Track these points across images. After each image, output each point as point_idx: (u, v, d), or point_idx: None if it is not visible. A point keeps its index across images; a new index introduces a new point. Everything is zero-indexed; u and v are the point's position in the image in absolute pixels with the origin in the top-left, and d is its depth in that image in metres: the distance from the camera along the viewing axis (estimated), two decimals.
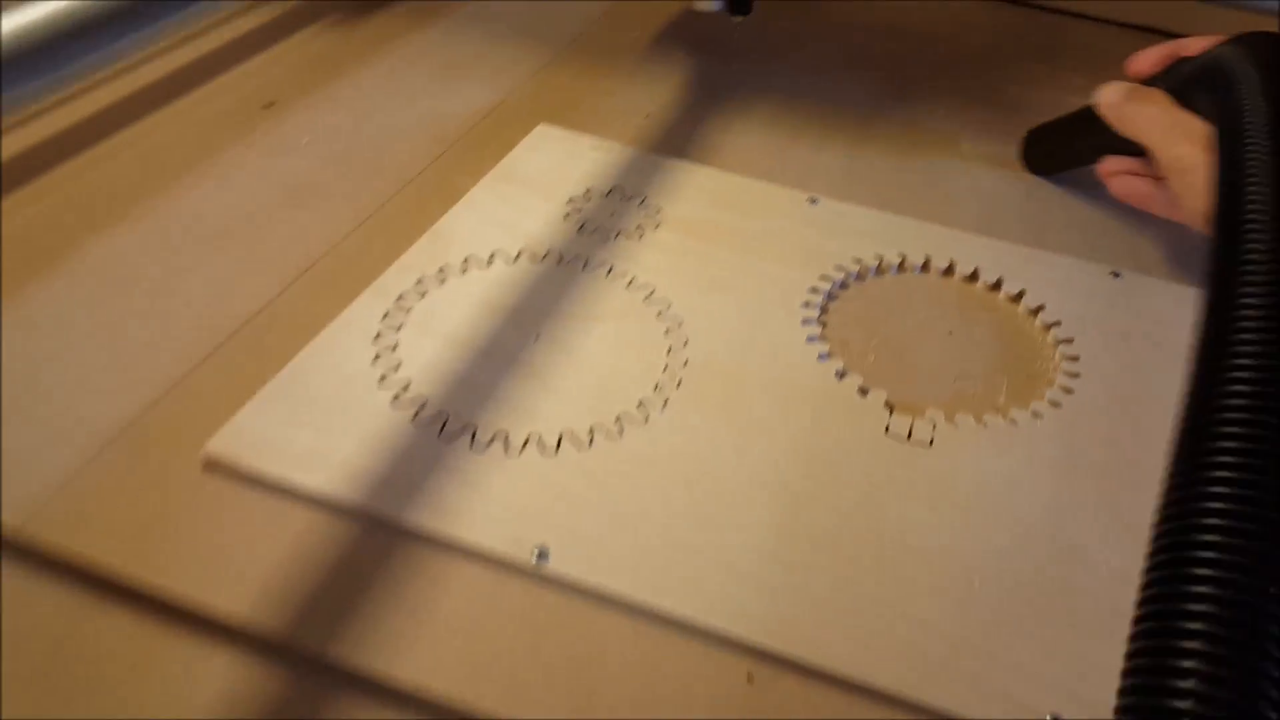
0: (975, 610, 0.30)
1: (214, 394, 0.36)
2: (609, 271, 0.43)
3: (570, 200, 0.47)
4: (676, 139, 0.54)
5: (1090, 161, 0.48)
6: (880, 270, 0.44)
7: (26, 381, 0.36)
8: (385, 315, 0.39)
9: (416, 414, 0.35)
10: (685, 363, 0.38)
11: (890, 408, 0.37)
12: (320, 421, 0.34)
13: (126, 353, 0.38)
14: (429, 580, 0.30)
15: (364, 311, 0.39)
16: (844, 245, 0.45)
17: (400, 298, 0.40)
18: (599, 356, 0.38)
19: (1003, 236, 0.47)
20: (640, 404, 0.36)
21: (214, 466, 0.33)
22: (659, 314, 0.40)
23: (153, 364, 0.37)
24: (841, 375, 0.38)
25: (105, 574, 0.30)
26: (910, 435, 0.35)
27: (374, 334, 0.38)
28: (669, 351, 0.38)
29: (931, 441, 0.35)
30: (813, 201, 0.48)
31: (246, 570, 0.30)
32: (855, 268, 0.44)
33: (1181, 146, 0.38)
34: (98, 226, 0.44)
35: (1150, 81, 0.43)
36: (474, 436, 0.34)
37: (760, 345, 0.39)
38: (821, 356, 0.39)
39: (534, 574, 0.30)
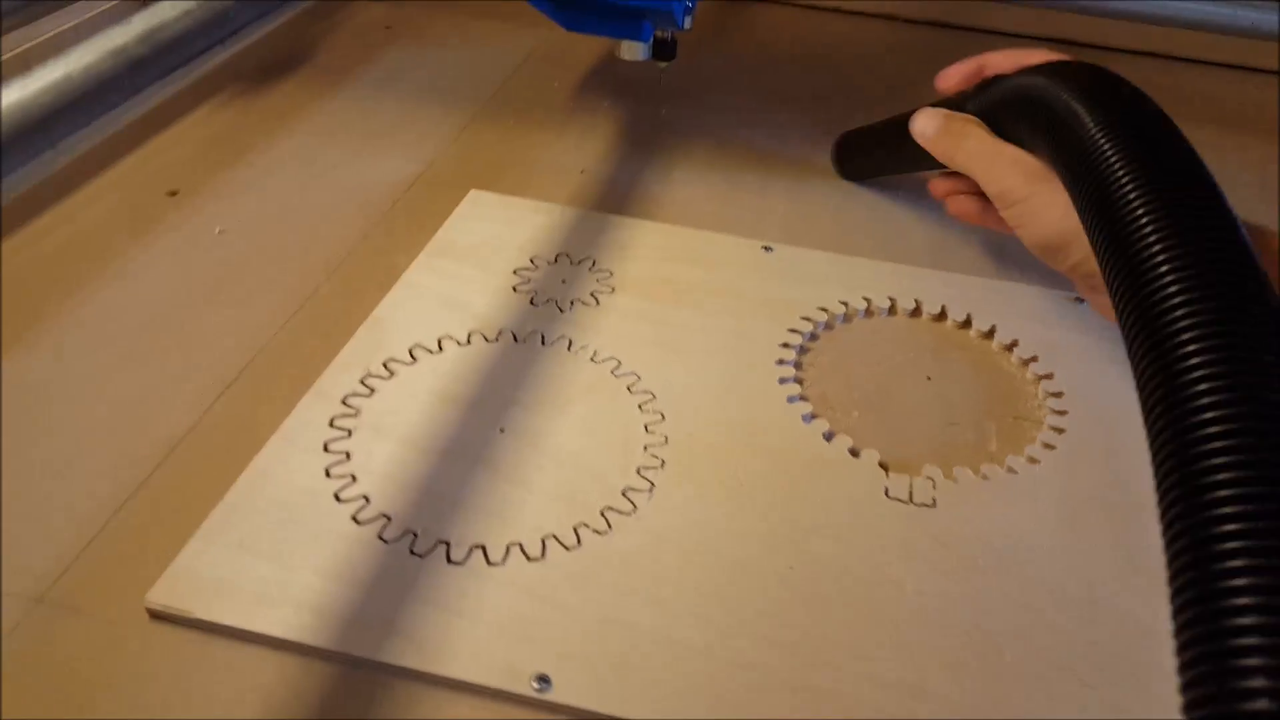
0: (1003, 681, 0.28)
1: (150, 530, 0.32)
2: (569, 346, 0.40)
3: (516, 271, 0.45)
4: (616, 194, 0.52)
5: (905, 170, 0.50)
6: (848, 317, 0.43)
7: None
8: (331, 421, 0.36)
9: (381, 533, 0.32)
10: (666, 440, 0.36)
11: (885, 468, 0.35)
12: (274, 551, 0.31)
13: (47, 495, 0.33)
14: None
15: (306, 419, 0.36)
16: (807, 293, 0.44)
17: (345, 399, 0.37)
18: (573, 444, 0.36)
19: (961, 269, 0.47)
20: (625, 492, 0.34)
21: (160, 617, 0.29)
22: (629, 388, 0.38)
23: (77, 506, 0.33)
24: (829, 437, 0.37)
25: None
26: (911, 497, 0.34)
27: (321, 444, 0.35)
28: (646, 429, 0.36)
29: (934, 502, 0.34)
30: (767, 249, 0.47)
31: None
32: (823, 317, 0.43)
33: (1007, 180, 0.39)
34: None
35: (958, 99, 0.43)
36: (449, 551, 0.31)
37: (741, 411, 0.37)
38: (806, 418, 0.37)
39: (535, 704, 0.28)
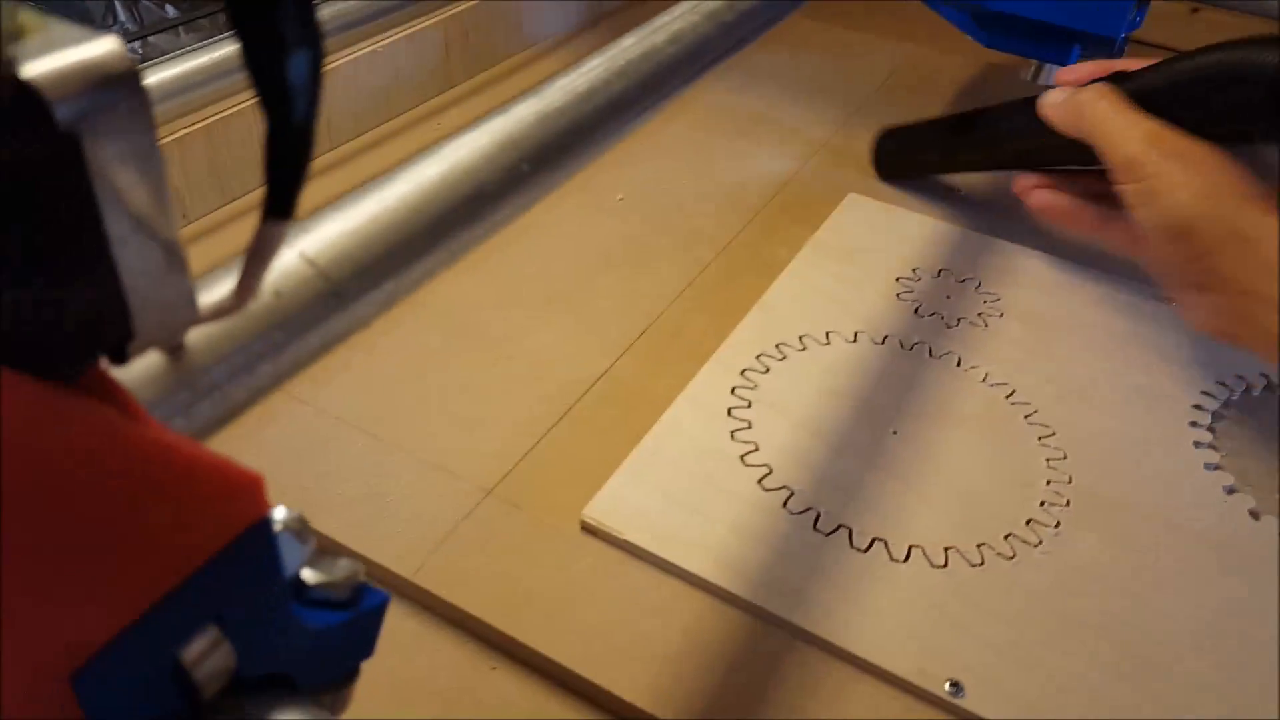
0: None
1: (573, 456, 0.36)
2: (958, 363, 0.40)
3: (898, 279, 0.45)
4: (995, 217, 0.51)
5: (960, 169, 0.51)
6: (1271, 387, 0.40)
7: (394, 426, 0.37)
8: (732, 390, 0.38)
9: (785, 502, 0.34)
10: (1070, 480, 0.35)
11: None
12: (689, 498, 0.33)
13: (488, 407, 0.38)
14: (829, 695, 0.28)
15: (708, 385, 0.38)
16: (1222, 354, 0.41)
17: (744, 372, 0.39)
18: (967, 463, 0.36)
19: None
20: (1030, 523, 0.33)
21: (590, 530, 0.33)
22: (1026, 419, 0.38)
23: (515, 421, 0.37)
24: (1257, 516, 0.34)
25: (495, 635, 0.30)
26: None
27: (725, 409, 0.37)
28: (1048, 463, 0.36)
29: None
30: (1171, 302, 0.45)
31: (637, 650, 0.29)
32: (1241, 385, 0.40)
33: (1137, 148, 0.34)
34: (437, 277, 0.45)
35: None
36: (851, 536, 0.33)
37: (1150, 471, 0.36)
38: (1227, 489, 0.35)
39: (947, 708, 0.28)
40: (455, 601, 0.30)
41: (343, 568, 0.14)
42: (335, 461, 0.35)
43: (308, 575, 0.14)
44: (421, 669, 0.29)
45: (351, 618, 0.14)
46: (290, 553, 0.14)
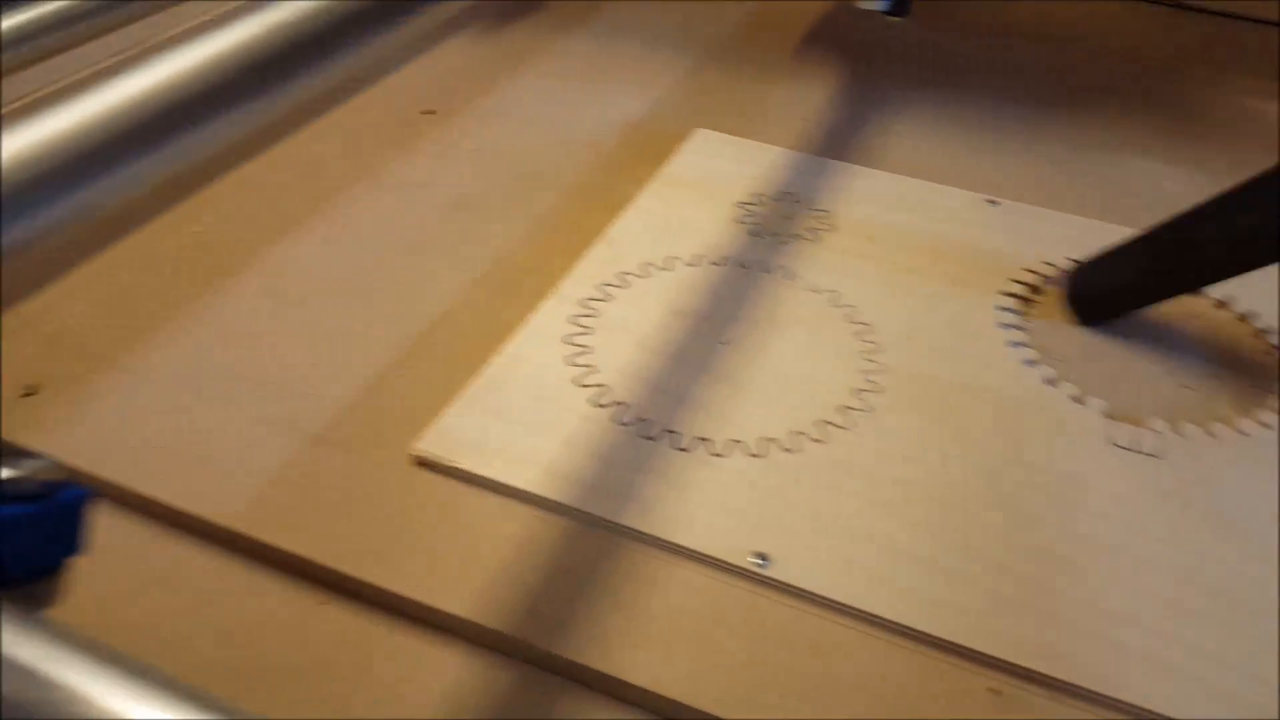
0: (1224, 626, 0.29)
1: (410, 395, 0.38)
2: (789, 276, 0.43)
3: (740, 205, 0.48)
4: (838, 142, 0.54)
5: (1181, 292, 0.41)
6: None
7: (223, 379, 0.38)
8: (573, 318, 0.41)
9: (617, 416, 0.36)
10: (882, 368, 0.38)
11: (1110, 418, 0.36)
12: (524, 421, 0.36)
13: (319, 353, 0.40)
14: (647, 581, 0.31)
15: (551, 316, 0.41)
16: (1032, 249, 0.45)
17: (585, 302, 0.41)
18: (792, 361, 0.39)
19: None
20: (843, 409, 0.36)
21: (423, 464, 0.35)
22: (847, 319, 0.41)
23: (348, 366, 0.39)
24: (1053, 383, 0.38)
25: (324, 573, 0.32)
26: (1136, 446, 0.35)
27: (564, 337, 0.40)
28: (864, 356, 0.39)
29: (1160, 453, 0.35)
30: (992, 203, 0.48)
31: (466, 568, 0.31)
32: (1050, 271, 0.43)
33: None
34: (278, 234, 0.47)
35: None
36: (677, 439, 0.35)
37: (960, 351, 0.39)
38: (1028, 363, 0.39)
39: (754, 579, 0.31)
40: (281, 545, 0.32)
41: (35, 464, 0.16)
42: (158, 426, 0.36)
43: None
44: (251, 614, 0.31)
45: (43, 510, 0.16)
46: None
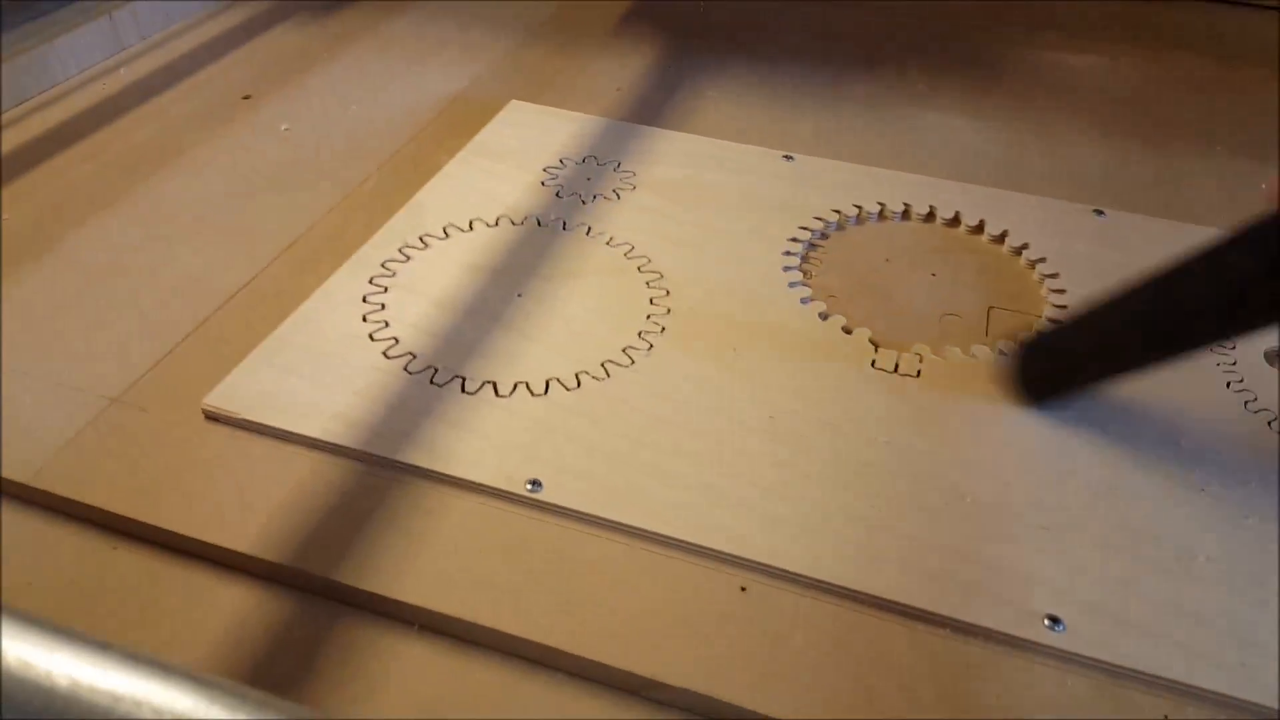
0: (965, 524, 0.32)
1: (206, 360, 0.38)
2: (588, 231, 0.45)
3: (546, 169, 0.50)
4: (649, 109, 0.57)
5: (1146, 368, 0.35)
6: (860, 220, 0.47)
7: (29, 353, 0.39)
8: (370, 280, 0.42)
9: (407, 366, 0.38)
10: (669, 311, 0.41)
11: (875, 344, 0.39)
12: (315, 375, 0.37)
13: (122, 326, 0.40)
14: (427, 511, 0.33)
15: (349, 278, 0.42)
16: (822, 198, 0.48)
17: (384, 264, 0.43)
18: (582, 309, 0.41)
19: (984, 184, 0.50)
20: (625, 349, 0.39)
21: (215, 419, 0.36)
22: (639, 268, 0.43)
23: (146, 335, 0.40)
24: (825, 317, 0.41)
25: (117, 520, 0.32)
26: (896, 369, 0.38)
27: (360, 297, 0.41)
28: (651, 302, 0.41)
29: (919, 373, 0.38)
30: (788, 158, 0.51)
31: (251, 510, 0.32)
32: (835, 219, 0.47)
33: None
34: (87, 217, 0.47)
35: None
36: (464, 384, 0.37)
37: (743, 292, 0.42)
38: (804, 300, 0.42)
39: (527, 503, 0.33)
40: (73, 496, 0.33)
41: None
42: None
43: None
44: (46, 563, 0.32)
45: None
46: None
